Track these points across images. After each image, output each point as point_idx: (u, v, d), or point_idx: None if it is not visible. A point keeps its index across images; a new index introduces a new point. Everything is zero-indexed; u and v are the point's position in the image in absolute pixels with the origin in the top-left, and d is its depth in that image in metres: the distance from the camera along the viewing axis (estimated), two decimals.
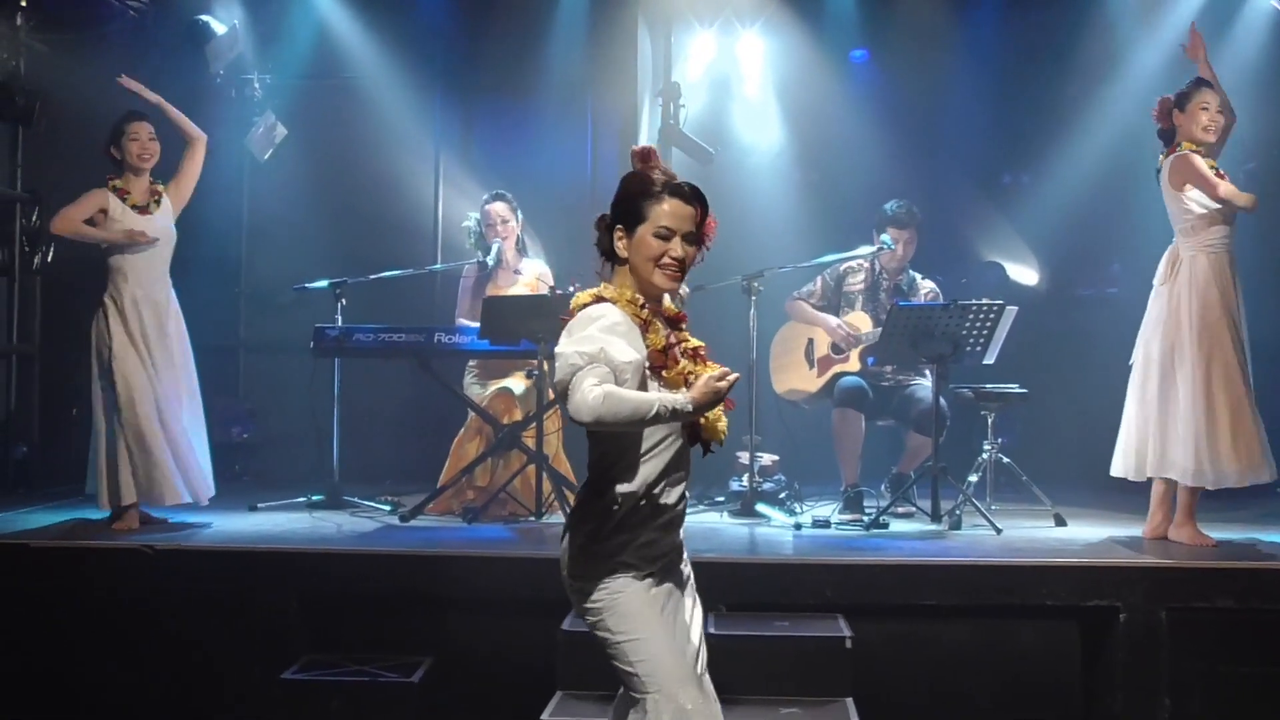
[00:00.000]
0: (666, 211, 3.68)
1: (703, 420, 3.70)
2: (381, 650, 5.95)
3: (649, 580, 3.74)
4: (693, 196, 3.72)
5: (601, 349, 3.56)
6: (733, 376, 3.53)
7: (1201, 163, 6.55)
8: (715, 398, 3.52)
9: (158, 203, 7.31)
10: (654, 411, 3.47)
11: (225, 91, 9.67)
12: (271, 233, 9.93)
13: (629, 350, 3.60)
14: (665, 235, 3.68)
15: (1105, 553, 6.43)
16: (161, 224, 7.27)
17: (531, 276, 8.05)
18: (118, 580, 6.22)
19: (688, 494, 3.86)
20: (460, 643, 6.06)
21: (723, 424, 3.76)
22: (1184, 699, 5.78)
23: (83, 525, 7.14)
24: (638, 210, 3.71)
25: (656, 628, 3.71)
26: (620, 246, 3.75)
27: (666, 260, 3.68)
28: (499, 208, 8.09)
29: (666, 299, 3.85)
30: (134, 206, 7.22)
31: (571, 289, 7.85)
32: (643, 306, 3.72)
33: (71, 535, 6.88)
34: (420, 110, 9.90)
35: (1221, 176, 6.55)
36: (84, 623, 6.14)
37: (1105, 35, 9.43)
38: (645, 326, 3.70)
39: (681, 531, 3.87)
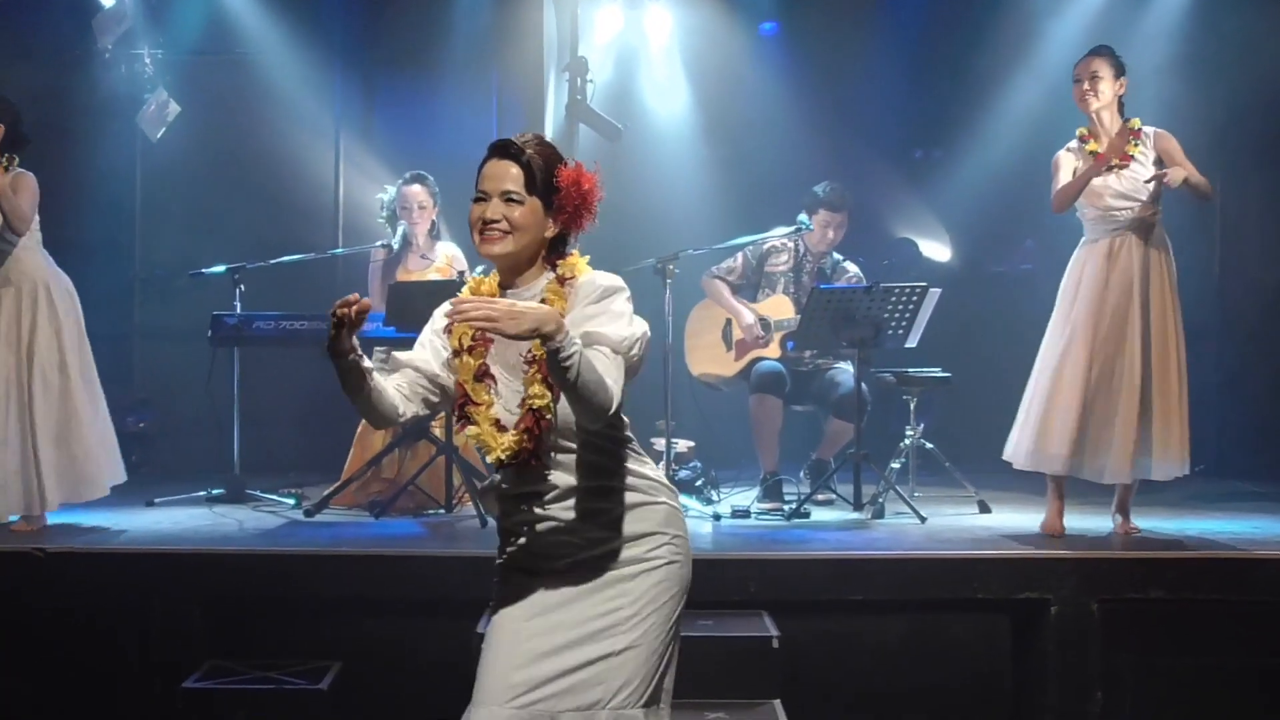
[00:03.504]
0: (482, 174, 3.44)
1: None
2: (288, 655, 5.68)
3: (511, 573, 3.51)
4: (508, 152, 3.42)
5: None
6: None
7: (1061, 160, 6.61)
8: None
9: None
10: None
11: (114, 67, 9.28)
12: (166, 215, 9.61)
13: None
14: (482, 198, 3.41)
15: (1035, 543, 6.31)
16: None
17: (443, 259, 7.79)
18: (6, 587, 5.90)
19: (549, 492, 3.42)
20: (370, 646, 5.82)
21: (483, 439, 3.42)
22: (1116, 691, 5.68)
23: None
24: (476, 181, 3.49)
25: (491, 634, 3.48)
26: None
27: (480, 224, 3.41)
28: (417, 192, 7.79)
29: (549, 279, 3.48)
30: None
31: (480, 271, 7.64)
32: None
33: None
34: (319, 86, 9.61)
35: (1115, 160, 6.48)
36: None
37: (1019, 9, 9.37)
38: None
39: (576, 534, 3.42)
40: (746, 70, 9.69)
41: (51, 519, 6.84)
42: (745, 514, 7.11)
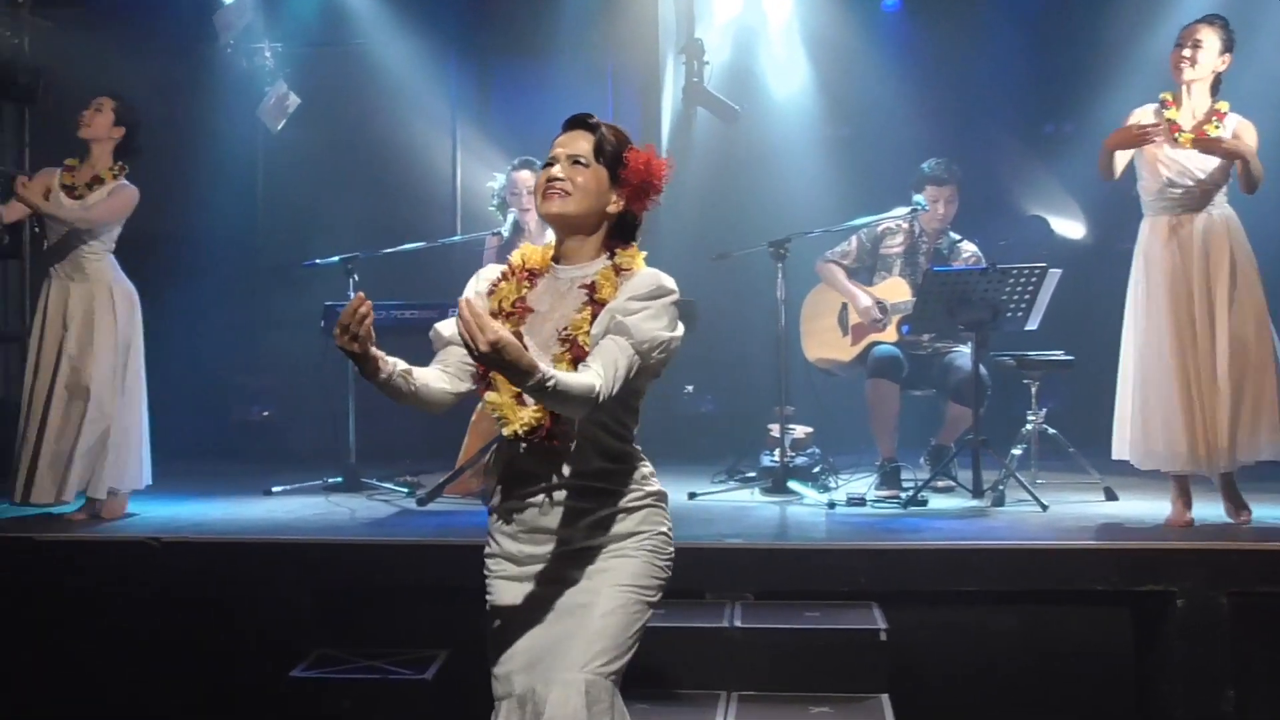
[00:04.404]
0: (554, 143, 3.47)
1: None
2: (396, 644, 5.68)
3: (498, 567, 3.53)
4: (582, 124, 3.48)
5: None
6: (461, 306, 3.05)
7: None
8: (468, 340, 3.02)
9: (90, 187, 6.75)
10: None
11: (236, 62, 9.45)
12: (288, 205, 9.77)
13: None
14: (550, 163, 3.43)
15: (1159, 534, 6.03)
16: (75, 212, 6.67)
17: None
18: (122, 574, 5.99)
19: (561, 481, 3.40)
20: (477, 635, 5.76)
21: (502, 410, 3.38)
22: (1249, 689, 5.37)
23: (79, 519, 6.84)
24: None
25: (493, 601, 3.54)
26: None
27: (543, 185, 3.42)
28: (526, 178, 7.72)
29: (605, 264, 3.45)
30: (65, 186, 6.74)
31: None
32: (521, 270, 3.51)
33: (74, 527, 6.61)
34: (435, 75, 9.69)
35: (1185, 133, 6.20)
36: (87, 619, 5.90)
37: None
38: (499, 281, 3.51)
39: (577, 528, 3.41)
40: (868, 48, 9.48)
41: (163, 509, 6.98)
42: (861, 502, 6.95)
